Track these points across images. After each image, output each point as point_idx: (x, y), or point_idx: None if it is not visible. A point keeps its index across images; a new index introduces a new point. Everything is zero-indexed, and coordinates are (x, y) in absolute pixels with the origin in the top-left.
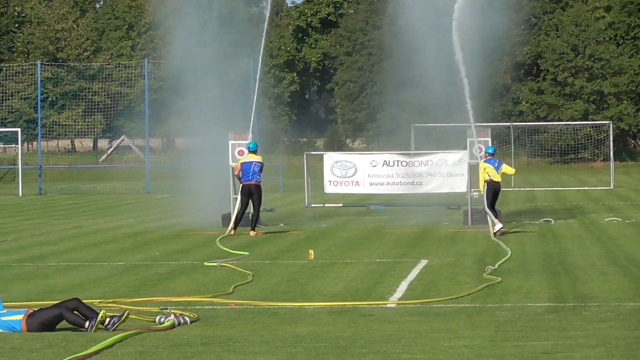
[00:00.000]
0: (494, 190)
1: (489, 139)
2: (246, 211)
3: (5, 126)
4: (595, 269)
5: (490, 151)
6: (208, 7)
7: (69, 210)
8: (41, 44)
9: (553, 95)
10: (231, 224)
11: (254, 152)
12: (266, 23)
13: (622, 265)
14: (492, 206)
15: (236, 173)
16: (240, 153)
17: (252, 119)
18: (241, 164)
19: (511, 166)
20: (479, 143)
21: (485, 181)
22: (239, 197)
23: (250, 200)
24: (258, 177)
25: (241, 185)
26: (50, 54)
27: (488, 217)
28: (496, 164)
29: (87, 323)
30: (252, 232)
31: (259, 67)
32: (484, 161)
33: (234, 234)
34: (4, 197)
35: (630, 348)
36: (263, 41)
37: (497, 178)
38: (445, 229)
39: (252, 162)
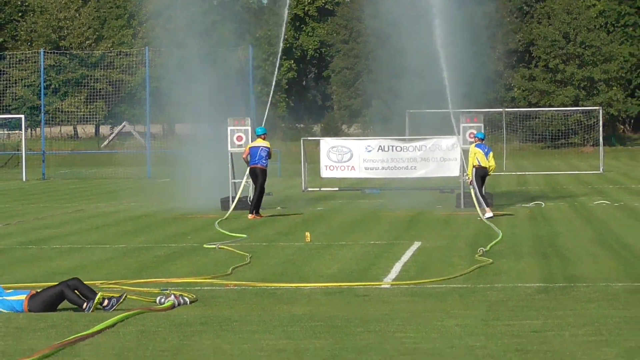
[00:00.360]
0: (482, 175)
1: (482, 125)
2: (247, 195)
3: (9, 113)
4: (584, 250)
5: (480, 136)
6: None
7: (72, 195)
8: (44, 32)
9: (544, 82)
10: (235, 201)
11: (262, 136)
12: None
13: (611, 248)
14: (481, 191)
15: (244, 156)
16: (239, 138)
17: (251, 105)
18: (249, 147)
19: (504, 152)
20: (471, 128)
21: (473, 166)
22: (244, 180)
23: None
24: (264, 161)
25: (248, 168)
26: (53, 42)
27: (477, 202)
28: (486, 150)
29: (85, 304)
30: (250, 215)
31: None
32: (475, 145)
33: (256, 218)
34: (8, 182)
35: (618, 327)
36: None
37: (485, 164)
38: (439, 212)
39: (260, 146)
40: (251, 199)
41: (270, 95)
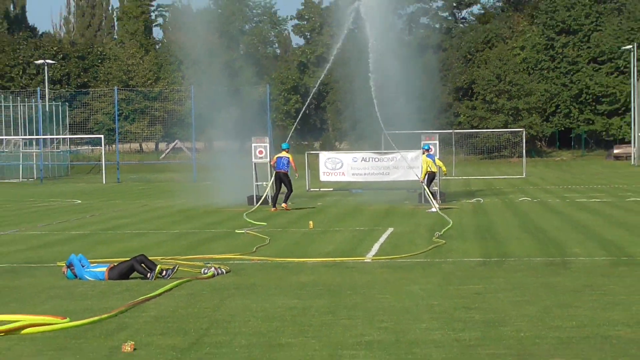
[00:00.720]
0: (431, 178)
1: (437, 142)
2: (266, 192)
3: (92, 134)
4: (512, 234)
5: (426, 147)
6: (237, 48)
7: (139, 194)
8: (117, 74)
9: (483, 110)
10: (263, 198)
11: (286, 150)
12: None
13: (531, 232)
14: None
15: (272, 163)
16: (260, 152)
17: (268, 127)
18: (276, 157)
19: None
20: (430, 144)
21: (427, 172)
22: (271, 181)
23: (282, 184)
24: (286, 167)
25: (275, 172)
26: (124, 82)
27: (429, 198)
28: (433, 158)
29: (149, 274)
30: (283, 204)
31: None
32: (426, 156)
33: (275, 210)
34: (92, 184)
35: (537, 290)
36: None
37: (434, 169)
38: (406, 206)
39: (283, 157)
40: (271, 196)
41: (296, 122)
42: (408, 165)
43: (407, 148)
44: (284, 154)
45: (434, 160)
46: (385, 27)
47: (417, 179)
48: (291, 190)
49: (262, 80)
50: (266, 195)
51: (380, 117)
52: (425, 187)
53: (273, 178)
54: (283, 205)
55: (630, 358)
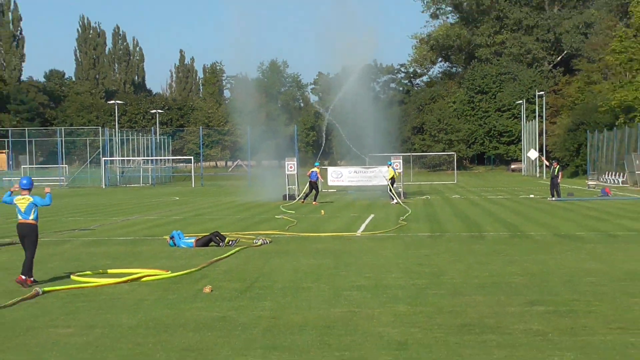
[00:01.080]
0: (392, 182)
1: (401, 160)
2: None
3: (186, 156)
4: (448, 218)
5: (390, 163)
6: (275, 102)
7: (214, 194)
8: (201, 119)
9: (429, 141)
10: (301, 196)
11: (317, 167)
12: None
13: (460, 217)
14: (393, 189)
15: (308, 174)
16: (290, 167)
17: (296, 152)
18: (310, 170)
19: (410, 173)
20: (395, 163)
21: (391, 177)
22: (307, 186)
23: (312, 188)
24: (316, 177)
25: (309, 180)
26: (205, 123)
27: (393, 194)
28: (395, 170)
29: (221, 243)
30: (314, 201)
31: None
32: (391, 168)
33: (303, 203)
34: (186, 187)
35: (465, 254)
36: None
37: (396, 176)
38: (382, 202)
39: (314, 171)
40: (302, 196)
41: (321, 150)
42: (382, 175)
43: (381, 164)
44: (315, 169)
45: (394, 170)
46: (368, 89)
47: (387, 183)
48: (318, 192)
49: (292, 123)
50: (300, 194)
51: (354, 147)
52: (390, 187)
53: (308, 184)
54: (313, 202)
55: (522, 296)
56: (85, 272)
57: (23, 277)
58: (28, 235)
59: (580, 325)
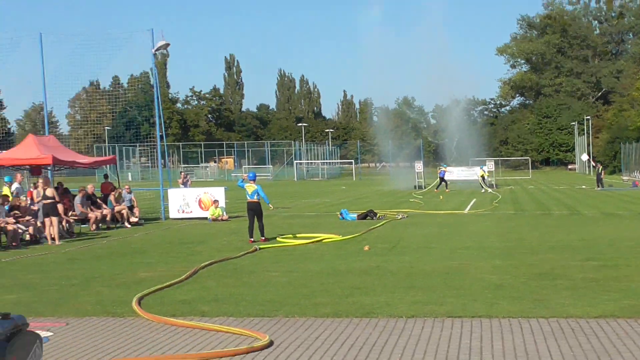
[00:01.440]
0: (484, 178)
1: (493, 163)
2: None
3: (348, 159)
4: (526, 201)
5: (481, 167)
6: (407, 123)
7: (369, 185)
8: (358, 135)
9: (512, 150)
10: (433, 186)
11: (445, 167)
12: None
13: (534, 200)
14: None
15: (438, 171)
16: (418, 167)
17: (422, 157)
18: (440, 169)
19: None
20: (486, 166)
21: (481, 175)
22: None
23: (441, 182)
24: (443, 174)
25: (439, 177)
26: (361, 138)
27: (482, 186)
28: (485, 171)
29: (374, 217)
30: (435, 190)
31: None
32: (482, 169)
33: (448, 191)
34: (348, 181)
35: (536, 225)
36: None
37: (486, 175)
38: (478, 191)
39: (442, 169)
40: (434, 186)
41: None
42: (476, 174)
43: (478, 165)
44: (443, 168)
45: (484, 171)
46: (469, 115)
47: (479, 179)
48: (446, 184)
49: (419, 137)
50: (431, 186)
51: (461, 154)
52: (481, 181)
53: (438, 179)
54: (435, 190)
55: (580, 254)
56: (286, 235)
57: (262, 238)
58: (254, 209)
59: (622, 275)
